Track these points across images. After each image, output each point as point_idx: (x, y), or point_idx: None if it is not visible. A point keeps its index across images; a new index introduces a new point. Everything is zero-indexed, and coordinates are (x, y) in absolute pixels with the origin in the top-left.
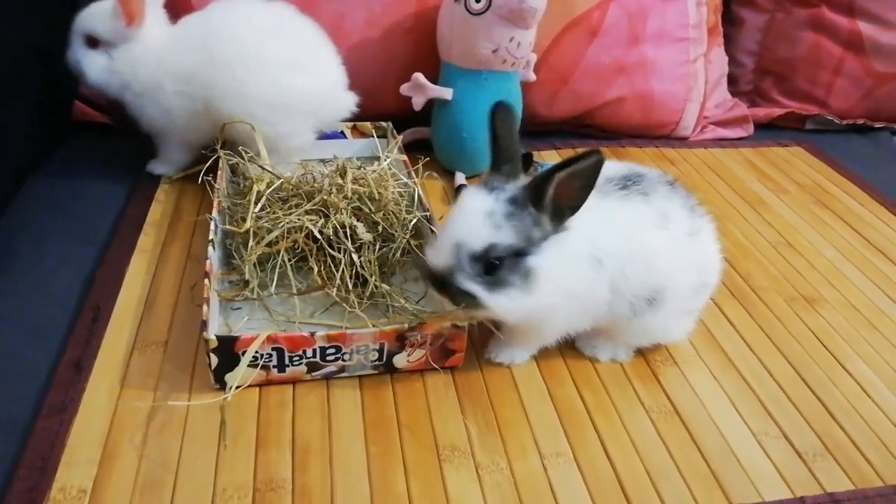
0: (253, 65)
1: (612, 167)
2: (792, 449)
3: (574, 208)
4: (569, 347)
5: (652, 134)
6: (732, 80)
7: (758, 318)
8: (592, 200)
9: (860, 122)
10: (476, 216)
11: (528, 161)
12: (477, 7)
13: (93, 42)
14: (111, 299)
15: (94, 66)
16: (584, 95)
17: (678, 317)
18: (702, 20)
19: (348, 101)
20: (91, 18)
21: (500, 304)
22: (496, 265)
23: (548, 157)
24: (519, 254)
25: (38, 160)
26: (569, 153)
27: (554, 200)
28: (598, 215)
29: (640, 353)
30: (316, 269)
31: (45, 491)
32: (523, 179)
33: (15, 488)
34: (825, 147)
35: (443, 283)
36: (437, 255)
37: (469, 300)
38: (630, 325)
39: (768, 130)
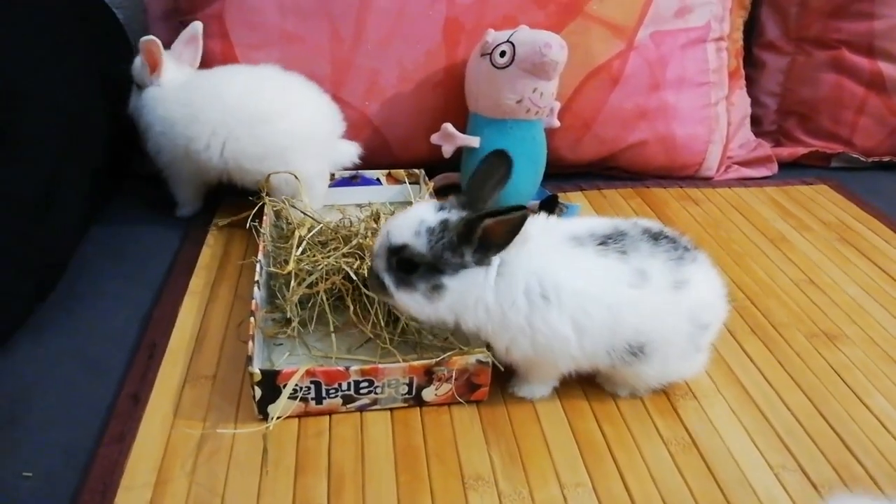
0: (232, 123)
1: (598, 223)
2: (808, 481)
3: (499, 247)
4: (591, 384)
5: (676, 175)
6: (756, 121)
7: (777, 353)
8: (564, 248)
9: (886, 159)
10: (409, 219)
11: (553, 203)
12: (501, 61)
13: (138, 85)
14: (165, 337)
15: (131, 101)
16: (608, 139)
17: (683, 357)
18: (722, 65)
19: (343, 144)
20: (133, 68)
21: (403, 300)
22: (412, 267)
23: (574, 199)
24: (434, 269)
25: (100, 209)
26: (594, 194)
27: (481, 239)
28: (561, 259)
29: (661, 387)
30: (351, 308)
31: None
32: (471, 213)
33: None
34: (851, 185)
35: (370, 266)
36: (375, 241)
37: (380, 288)
38: (622, 372)
39: (794, 169)
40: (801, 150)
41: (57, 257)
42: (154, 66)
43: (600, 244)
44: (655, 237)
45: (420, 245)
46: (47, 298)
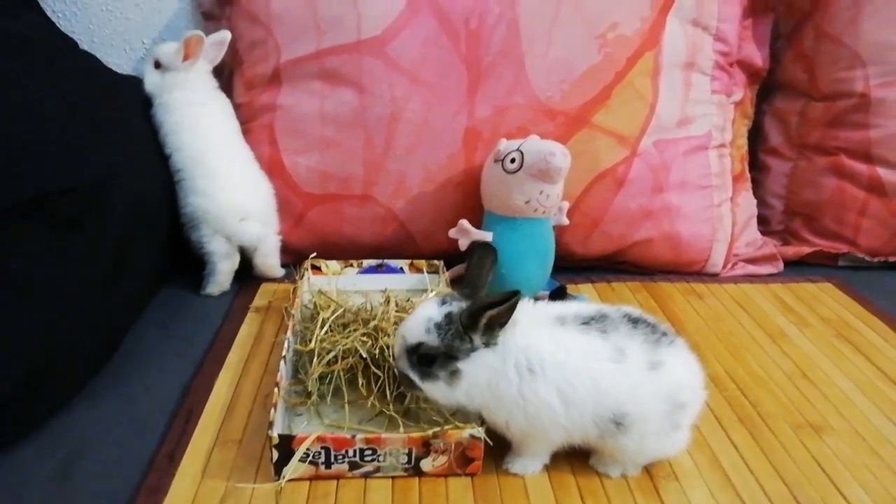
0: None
1: (583, 308)
2: None
3: (502, 324)
4: (578, 461)
5: (683, 270)
6: (764, 221)
7: (761, 442)
8: (549, 326)
9: (892, 259)
10: (419, 319)
11: (562, 294)
12: (511, 167)
13: (157, 64)
14: (201, 405)
15: (149, 79)
16: (615, 236)
17: (662, 433)
18: (724, 169)
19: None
20: (161, 50)
21: (430, 390)
22: (431, 360)
23: (583, 290)
24: (449, 357)
25: (153, 293)
26: (603, 287)
27: (486, 325)
28: (545, 336)
29: (645, 467)
30: (360, 381)
31: None
32: (473, 304)
33: None
34: (856, 283)
35: (398, 368)
36: (394, 345)
37: (408, 382)
38: (609, 444)
39: (802, 267)
40: (806, 249)
41: (113, 337)
42: (189, 57)
43: (583, 324)
44: (635, 322)
45: (432, 340)
46: (103, 369)
